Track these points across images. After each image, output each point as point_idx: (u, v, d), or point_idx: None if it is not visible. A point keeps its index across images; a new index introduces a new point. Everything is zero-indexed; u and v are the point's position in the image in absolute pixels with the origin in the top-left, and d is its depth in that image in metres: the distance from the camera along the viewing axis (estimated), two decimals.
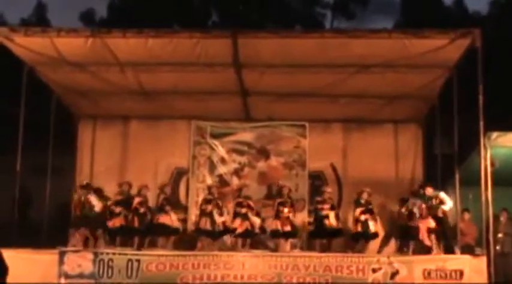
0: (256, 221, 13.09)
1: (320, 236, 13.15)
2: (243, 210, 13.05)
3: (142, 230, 12.96)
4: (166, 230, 13.06)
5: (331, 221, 12.97)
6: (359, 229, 12.91)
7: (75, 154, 15.70)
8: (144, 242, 12.97)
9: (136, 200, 13.07)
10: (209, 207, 13.07)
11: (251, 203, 13.38)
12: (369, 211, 13.02)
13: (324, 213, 13.02)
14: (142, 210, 12.97)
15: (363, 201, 13.15)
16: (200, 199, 14.41)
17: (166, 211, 13.07)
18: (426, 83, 13.36)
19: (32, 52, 12.50)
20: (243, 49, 12.28)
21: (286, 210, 13.01)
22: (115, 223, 12.85)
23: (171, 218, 13.09)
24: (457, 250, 12.03)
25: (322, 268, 11.44)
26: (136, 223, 12.89)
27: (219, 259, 11.57)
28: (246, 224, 12.90)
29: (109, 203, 13.13)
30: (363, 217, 12.89)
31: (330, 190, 13.89)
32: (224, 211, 13.54)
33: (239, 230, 12.90)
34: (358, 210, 13.04)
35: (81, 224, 12.78)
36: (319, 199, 13.46)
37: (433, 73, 13.02)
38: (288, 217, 12.98)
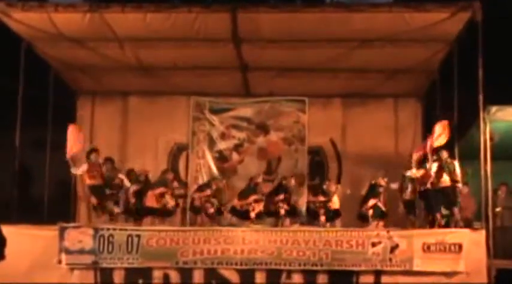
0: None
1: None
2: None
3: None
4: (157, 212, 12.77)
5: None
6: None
7: None
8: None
9: (132, 189, 12.81)
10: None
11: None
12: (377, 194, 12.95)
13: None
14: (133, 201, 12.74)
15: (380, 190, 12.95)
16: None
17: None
18: (427, 57, 13.33)
19: (30, 27, 12.44)
20: (242, 24, 12.23)
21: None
22: None
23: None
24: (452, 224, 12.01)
25: (322, 242, 11.45)
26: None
27: (219, 234, 11.58)
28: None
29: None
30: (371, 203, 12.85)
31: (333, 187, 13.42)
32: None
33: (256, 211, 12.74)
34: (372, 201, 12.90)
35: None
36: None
37: (434, 47, 12.98)
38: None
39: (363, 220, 12.97)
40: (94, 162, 12.61)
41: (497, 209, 13.30)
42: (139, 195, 12.74)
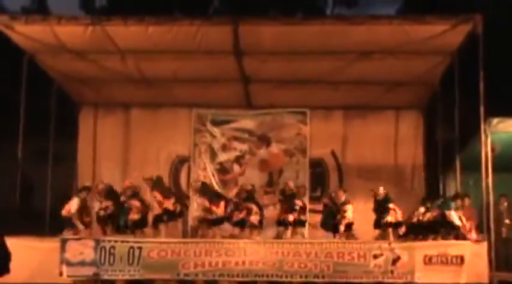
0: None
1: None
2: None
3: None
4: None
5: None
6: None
7: (77, 141, 15.72)
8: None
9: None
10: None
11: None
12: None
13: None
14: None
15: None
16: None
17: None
18: (428, 69, 13.35)
19: (33, 40, 12.50)
20: (243, 36, 12.26)
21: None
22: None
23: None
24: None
25: (324, 254, 11.45)
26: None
27: (220, 246, 11.59)
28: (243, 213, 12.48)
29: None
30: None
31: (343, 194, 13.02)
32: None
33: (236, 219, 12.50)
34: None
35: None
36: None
37: (435, 59, 13.00)
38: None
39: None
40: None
41: (506, 221, 13.24)
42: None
